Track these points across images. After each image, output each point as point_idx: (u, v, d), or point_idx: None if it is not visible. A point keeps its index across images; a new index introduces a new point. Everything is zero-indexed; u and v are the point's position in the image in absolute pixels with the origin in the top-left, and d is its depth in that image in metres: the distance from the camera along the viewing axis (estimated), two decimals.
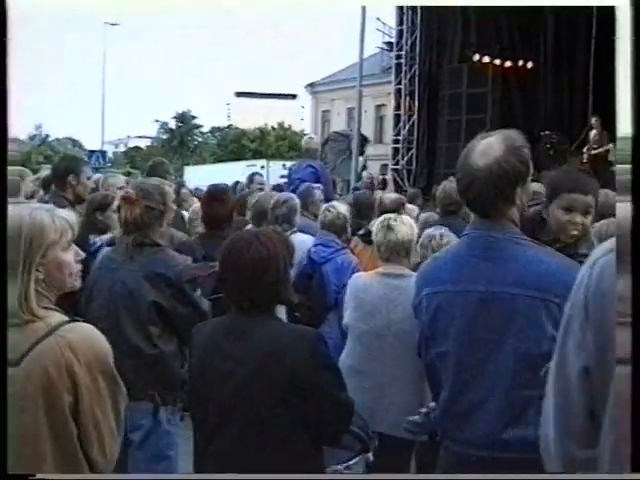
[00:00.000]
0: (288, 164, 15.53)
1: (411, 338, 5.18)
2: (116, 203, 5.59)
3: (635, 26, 3.34)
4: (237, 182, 14.98)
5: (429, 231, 6.19)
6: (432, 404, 3.98)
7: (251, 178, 12.07)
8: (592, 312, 2.46)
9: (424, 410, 4.29)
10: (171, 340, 5.20)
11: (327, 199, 9.10)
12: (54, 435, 3.16)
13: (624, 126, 3.35)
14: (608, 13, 19.82)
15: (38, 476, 3.19)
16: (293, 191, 9.20)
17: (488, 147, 3.46)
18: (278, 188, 12.31)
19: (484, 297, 3.48)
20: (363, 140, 25.23)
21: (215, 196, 7.05)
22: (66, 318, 3.24)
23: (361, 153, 25.10)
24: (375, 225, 5.76)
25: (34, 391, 3.12)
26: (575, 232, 4.61)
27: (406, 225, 5.59)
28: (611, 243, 2.64)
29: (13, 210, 3.26)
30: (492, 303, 3.47)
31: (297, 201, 7.96)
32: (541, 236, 4.40)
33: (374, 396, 5.34)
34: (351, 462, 4.44)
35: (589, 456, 2.50)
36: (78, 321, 3.29)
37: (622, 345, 2.34)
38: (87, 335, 3.26)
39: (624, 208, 2.57)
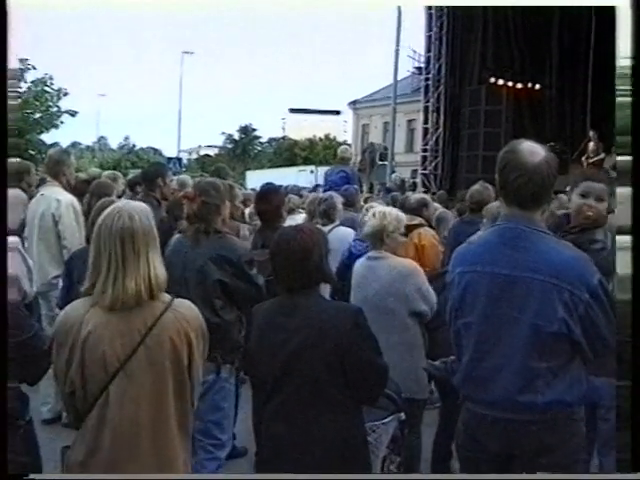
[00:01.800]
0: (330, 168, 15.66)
1: (384, 310, 5.30)
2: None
3: (635, 26, 3.22)
4: (283, 186, 15.11)
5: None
6: (452, 357, 3.95)
7: (315, 188, 12.43)
8: None
9: (444, 359, 4.26)
10: (231, 311, 5.36)
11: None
12: (176, 389, 3.28)
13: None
14: (606, 42, 19.64)
15: (38, 476, 3.22)
16: (327, 191, 9.21)
17: (534, 149, 3.46)
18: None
19: (507, 279, 3.46)
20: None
21: (261, 196, 7.12)
22: (169, 296, 3.34)
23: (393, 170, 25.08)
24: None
25: (163, 356, 3.23)
26: (590, 213, 4.60)
27: (376, 217, 5.57)
28: None
29: (115, 209, 3.31)
30: (514, 285, 3.44)
31: (335, 199, 8.02)
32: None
33: None
34: (386, 420, 4.44)
35: None
36: (177, 297, 3.38)
37: None
38: (191, 308, 3.39)
39: None
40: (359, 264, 5.78)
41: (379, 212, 5.62)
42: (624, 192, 3.55)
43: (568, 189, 4.29)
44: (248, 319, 4.10)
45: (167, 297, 3.32)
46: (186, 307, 3.36)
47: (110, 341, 3.20)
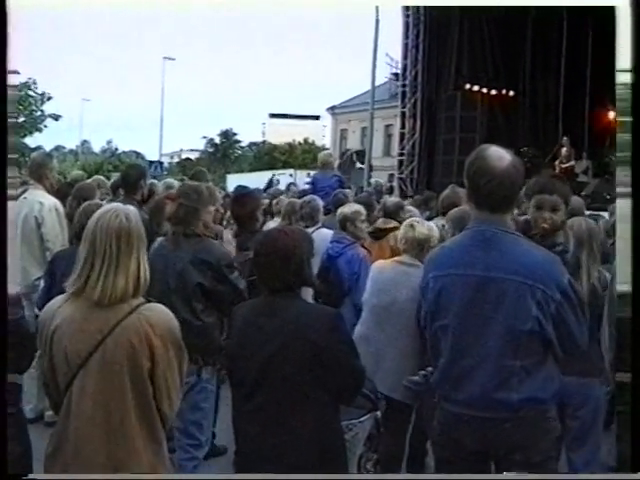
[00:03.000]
0: (312, 173, 15.63)
1: (410, 315, 5.21)
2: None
3: (635, 26, 3.22)
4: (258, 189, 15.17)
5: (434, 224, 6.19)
6: (430, 369, 3.98)
7: (289, 187, 12.43)
8: None
9: (423, 372, 4.30)
10: (212, 314, 5.32)
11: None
12: (136, 394, 3.28)
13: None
14: (578, 49, 19.61)
15: (38, 476, 3.23)
16: (322, 197, 9.20)
17: (501, 154, 3.49)
18: (304, 193, 12.43)
19: (481, 280, 3.48)
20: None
21: (236, 199, 7.09)
22: (143, 300, 3.36)
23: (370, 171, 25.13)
24: (403, 224, 5.79)
25: (120, 357, 3.25)
26: (545, 225, 4.66)
27: (424, 226, 5.60)
28: None
29: (111, 209, 3.38)
30: (487, 286, 3.47)
31: (318, 201, 8.09)
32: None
33: (376, 360, 5.34)
34: (363, 418, 4.45)
35: None
36: (152, 302, 3.40)
37: None
38: (161, 313, 3.39)
39: None
40: (384, 265, 5.78)
41: (422, 222, 5.68)
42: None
43: (522, 194, 4.33)
44: (229, 322, 4.09)
45: (137, 301, 3.34)
46: (155, 311, 3.37)
47: (72, 337, 3.26)
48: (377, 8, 24.92)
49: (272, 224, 8.17)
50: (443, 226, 6.04)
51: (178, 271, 5.23)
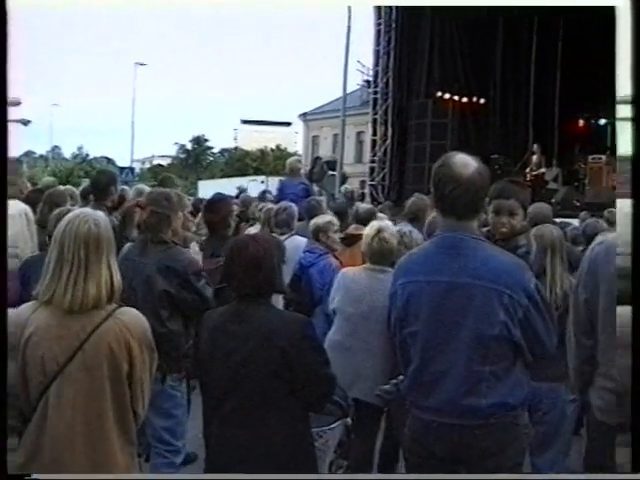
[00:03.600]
0: (284, 179, 15.59)
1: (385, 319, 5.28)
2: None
3: (635, 26, 3.22)
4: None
5: (399, 229, 6.21)
6: (400, 377, 3.98)
7: (263, 194, 12.47)
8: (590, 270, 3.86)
9: (394, 381, 4.30)
10: (177, 321, 5.32)
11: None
12: (114, 396, 3.29)
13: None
14: (547, 57, 19.73)
15: (38, 476, 3.21)
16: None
17: (467, 161, 3.51)
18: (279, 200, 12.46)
19: (449, 286, 3.49)
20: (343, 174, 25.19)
21: (209, 205, 7.07)
22: (116, 305, 3.36)
23: (343, 180, 25.14)
24: (367, 234, 5.76)
25: (100, 361, 3.25)
26: (504, 230, 4.72)
27: (394, 236, 5.63)
28: (602, 238, 4.11)
29: (80, 214, 3.37)
30: (455, 291, 3.48)
31: (295, 208, 8.09)
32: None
33: (354, 367, 5.37)
34: (333, 425, 4.46)
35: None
36: (123, 306, 3.40)
37: None
38: (136, 317, 3.41)
39: None
40: (356, 273, 5.79)
41: (391, 232, 5.67)
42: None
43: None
44: (195, 329, 4.10)
45: (112, 306, 3.33)
46: (130, 315, 3.37)
47: (49, 344, 3.24)
48: (349, 15, 24.97)
49: (253, 230, 8.17)
50: (410, 232, 6.06)
51: (144, 278, 5.22)
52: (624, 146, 3.48)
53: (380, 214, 9.17)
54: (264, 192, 13.04)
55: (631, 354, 3.41)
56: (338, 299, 5.79)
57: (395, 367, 5.21)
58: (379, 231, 5.61)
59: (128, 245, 5.56)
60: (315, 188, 15.10)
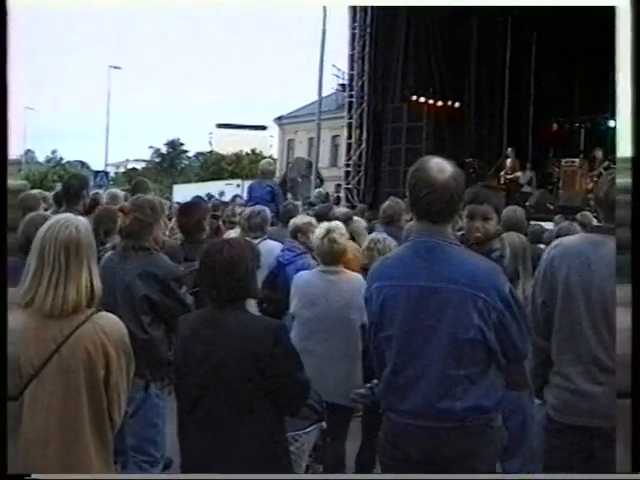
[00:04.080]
0: (253, 182, 15.54)
1: (347, 321, 5.42)
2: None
3: (635, 26, 3.22)
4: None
5: (373, 236, 6.24)
6: (375, 381, 3.99)
7: (234, 198, 12.42)
8: (546, 274, 3.95)
9: (369, 385, 4.31)
10: (159, 327, 5.30)
11: (277, 212, 9.50)
12: (90, 401, 3.28)
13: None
14: (521, 61, 19.84)
15: (38, 476, 3.20)
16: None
17: (442, 166, 3.51)
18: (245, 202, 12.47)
19: (424, 290, 3.49)
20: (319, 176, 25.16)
21: (183, 210, 7.10)
22: (95, 309, 3.36)
23: (320, 181, 25.14)
24: (319, 236, 5.77)
25: (77, 365, 3.24)
26: (478, 234, 4.74)
27: (344, 236, 5.69)
28: (557, 242, 4.17)
29: (62, 219, 3.37)
30: (430, 295, 3.49)
31: (268, 212, 8.10)
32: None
33: (316, 370, 5.35)
34: (308, 429, 4.47)
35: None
36: (101, 311, 3.39)
37: None
38: (114, 321, 3.41)
39: None
40: (310, 276, 5.83)
41: (340, 232, 5.69)
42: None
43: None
44: (176, 337, 4.09)
45: (90, 310, 3.32)
46: (108, 320, 3.37)
47: (26, 347, 3.23)
48: (324, 19, 25.02)
49: (233, 234, 8.16)
50: (384, 239, 6.07)
51: (125, 284, 5.21)
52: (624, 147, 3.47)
53: (356, 217, 9.19)
54: (235, 196, 13.06)
55: (631, 354, 3.41)
56: (295, 303, 5.85)
57: (359, 367, 5.27)
58: (328, 232, 5.65)
59: (109, 253, 5.54)
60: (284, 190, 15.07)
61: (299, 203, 10.37)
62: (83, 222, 3.41)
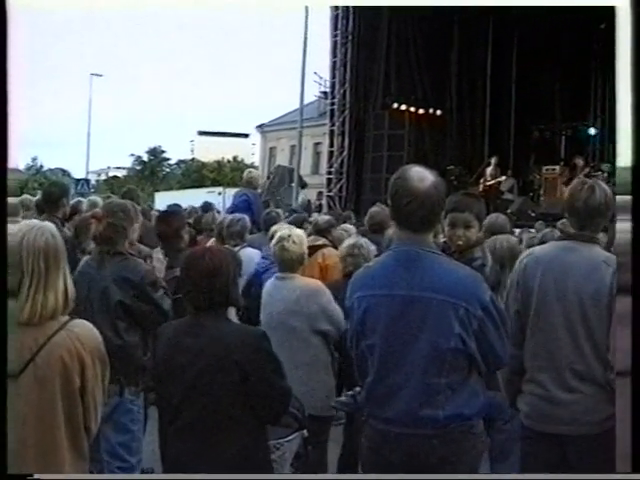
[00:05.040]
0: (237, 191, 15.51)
1: (287, 328, 5.41)
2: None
3: (635, 26, 3.21)
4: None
5: (354, 242, 6.24)
6: (357, 388, 3.99)
7: (207, 206, 12.50)
8: (519, 283, 4.07)
9: (350, 392, 4.31)
10: (135, 333, 5.27)
11: (256, 222, 9.45)
12: (66, 410, 3.23)
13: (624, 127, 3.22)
14: (502, 69, 20.00)
15: (38, 476, 3.18)
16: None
17: (423, 175, 3.51)
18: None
19: (405, 300, 3.50)
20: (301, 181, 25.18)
21: (162, 218, 7.12)
22: (68, 317, 3.31)
23: (302, 186, 25.15)
24: (272, 243, 5.81)
25: (52, 374, 3.20)
26: (460, 242, 4.76)
27: (297, 244, 5.62)
28: (529, 250, 4.34)
29: (34, 226, 3.32)
30: (412, 305, 3.49)
31: (247, 220, 8.14)
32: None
33: None
34: (290, 437, 4.46)
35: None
36: (75, 318, 3.34)
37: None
38: (88, 329, 3.34)
39: None
40: (269, 283, 5.83)
41: (292, 239, 5.64)
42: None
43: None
44: (154, 341, 4.07)
45: (64, 317, 3.29)
46: (83, 328, 3.33)
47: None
48: (306, 27, 25.08)
49: (209, 242, 8.16)
50: (365, 243, 6.07)
51: (101, 290, 5.18)
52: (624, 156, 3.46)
53: (344, 225, 9.21)
54: (206, 203, 13.03)
55: (631, 353, 3.41)
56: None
57: (304, 375, 5.23)
58: (280, 239, 5.65)
59: (85, 258, 5.52)
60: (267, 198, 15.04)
61: (281, 211, 10.37)
62: (54, 228, 3.38)
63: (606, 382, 3.91)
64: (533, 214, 18.90)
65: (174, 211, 7.23)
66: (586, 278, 3.94)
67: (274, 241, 5.73)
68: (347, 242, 6.33)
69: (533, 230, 11.85)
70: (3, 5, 3.30)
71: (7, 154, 3.43)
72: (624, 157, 3.41)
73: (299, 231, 6.05)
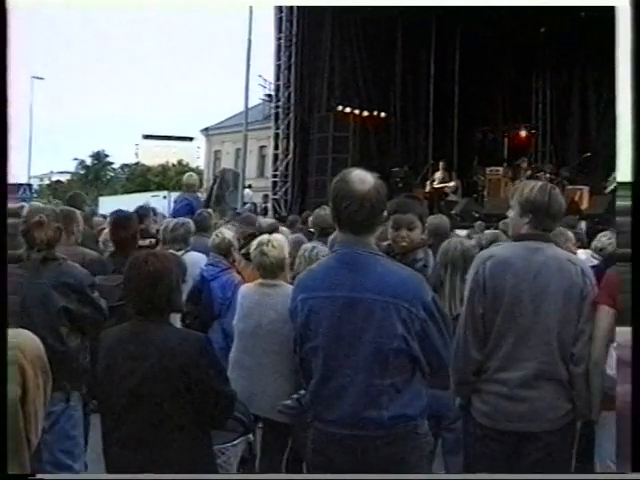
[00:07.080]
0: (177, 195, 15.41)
1: (279, 336, 5.30)
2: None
3: (635, 26, 3.23)
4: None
5: (305, 246, 6.23)
6: (302, 392, 4.00)
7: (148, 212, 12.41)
8: (486, 285, 4.01)
9: (296, 396, 4.32)
10: (76, 338, 5.20)
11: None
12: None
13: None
14: (446, 73, 20.18)
15: (38, 476, 3.14)
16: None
17: (364, 177, 3.53)
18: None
19: (348, 301, 3.51)
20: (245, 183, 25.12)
21: (118, 222, 6.97)
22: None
23: (249, 186, 25.11)
24: (252, 248, 5.75)
25: None
26: (404, 243, 4.79)
27: (277, 248, 5.58)
28: (488, 252, 4.27)
29: None
30: (354, 306, 3.51)
31: (191, 224, 8.09)
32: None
33: (251, 384, 5.35)
34: (235, 442, 4.46)
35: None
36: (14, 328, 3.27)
37: None
38: (30, 338, 3.30)
39: None
40: (248, 290, 5.76)
41: (272, 244, 5.60)
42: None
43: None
44: (93, 344, 4.03)
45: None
46: (23, 337, 3.28)
47: None
48: (249, 29, 25.00)
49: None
50: (314, 247, 6.07)
51: (40, 297, 5.06)
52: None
53: (283, 228, 9.20)
54: (141, 208, 12.97)
55: (631, 353, 3.45)
56: (235, 316, 5.81)
57: (292, 383, 5.23)
58: (259, 244, 5.62)
59: (16, 265, 5.41)
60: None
61: (211, 211, 10.32)
62: None
63: (567, 379, 4.00)
64: (477, 215, 19.08)
65: (131, 215, 7.13)
66: (557, 277, 4.00)
67: (253, 246, 5.69)
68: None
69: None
70: (3, 5, 3.27)
71: (7, 154, 3.39)
72: (624, 154, 3.44)
73: (279, 236, 6.00)
